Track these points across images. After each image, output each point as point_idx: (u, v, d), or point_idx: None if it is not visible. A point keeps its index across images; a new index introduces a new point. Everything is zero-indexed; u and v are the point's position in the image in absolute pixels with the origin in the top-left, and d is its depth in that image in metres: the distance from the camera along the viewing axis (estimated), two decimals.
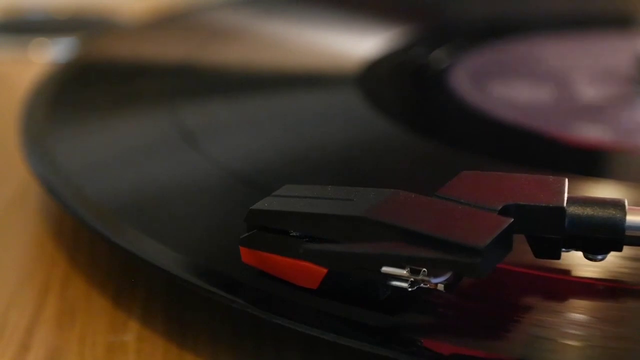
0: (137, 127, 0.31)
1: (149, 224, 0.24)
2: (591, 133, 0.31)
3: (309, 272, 0.20)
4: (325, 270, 0.19)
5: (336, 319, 0.19)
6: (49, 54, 0.44)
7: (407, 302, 0.20)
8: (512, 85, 0.36)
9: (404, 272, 0.19)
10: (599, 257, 0.20)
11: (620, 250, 0.20)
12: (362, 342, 0.19)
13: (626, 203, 0.20)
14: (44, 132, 0.30)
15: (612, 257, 0.21)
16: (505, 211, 0.19)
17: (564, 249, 0.20)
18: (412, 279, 0.19)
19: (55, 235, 0.28)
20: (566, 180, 0.21)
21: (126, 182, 0.27)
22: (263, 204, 0.21)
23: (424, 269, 0.18)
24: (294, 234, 0.20)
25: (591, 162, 0.29)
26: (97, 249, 0.27)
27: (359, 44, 0.39)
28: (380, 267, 0.19)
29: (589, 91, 0.35)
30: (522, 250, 0.20)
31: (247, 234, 0.21)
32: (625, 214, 0.20)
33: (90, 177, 0.27)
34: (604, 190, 0.26)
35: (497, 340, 0.19)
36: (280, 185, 0.22)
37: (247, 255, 0.21)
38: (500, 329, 0.19)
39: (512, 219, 0.19)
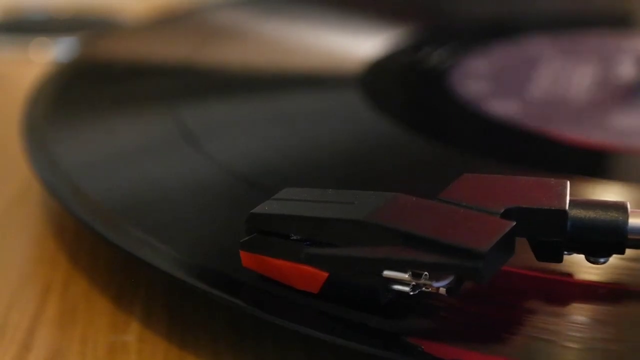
0: (138, 127, 0.31)
1: (150, 224, 0.24)
2: (592, 134, 0.31)
3: (309, 276, 0.20)
4: (326, 275, 0.19)
5: (338, 321, 0.19)
6: (50, 53, 0.44)
7: (408, 306, 0.20)
8: (514, 86, 0.35)
9: (405, 276, 0.19)
10: (601, 260, 0.20)
11: (622, 253, 0.20)
12: (363, 345, 0.19)
13: (628, 206, 0.20)
14: (45, 132, 0.30)
15: (615, 260, 0.21)
16: (507, 214, 0.19)
17: (566, 252, 0.20)
18: (413, 283, 0.19)
19: (56, 235, 0.28)
20: (568, 182, 0.20)
21: (127, 182, 0.27)
22: (263, 208, 0.21)
23: (426, 273, 0.18)
24: (295, 237, 0.20)
25: (594, 163, 0.29)
26: (98, 249, 0.27)
27: (360, 44, 0.39)
28: (382, 271, 0.19)
29: (590, 91, 0.35)
30: (523, 254, 0.20)
31: (247, 238, 0.21)
32: (627, 217, 0.20)
33: (92, 177, 0.27)
34: (606, 192, 0.26)
35: (500, 344, 0.19)
36: (281, 186, 0.22)
37: (247, 259, 0.21)
38: (502, 332, 0.19)
39: (514, 222, 0.19)
